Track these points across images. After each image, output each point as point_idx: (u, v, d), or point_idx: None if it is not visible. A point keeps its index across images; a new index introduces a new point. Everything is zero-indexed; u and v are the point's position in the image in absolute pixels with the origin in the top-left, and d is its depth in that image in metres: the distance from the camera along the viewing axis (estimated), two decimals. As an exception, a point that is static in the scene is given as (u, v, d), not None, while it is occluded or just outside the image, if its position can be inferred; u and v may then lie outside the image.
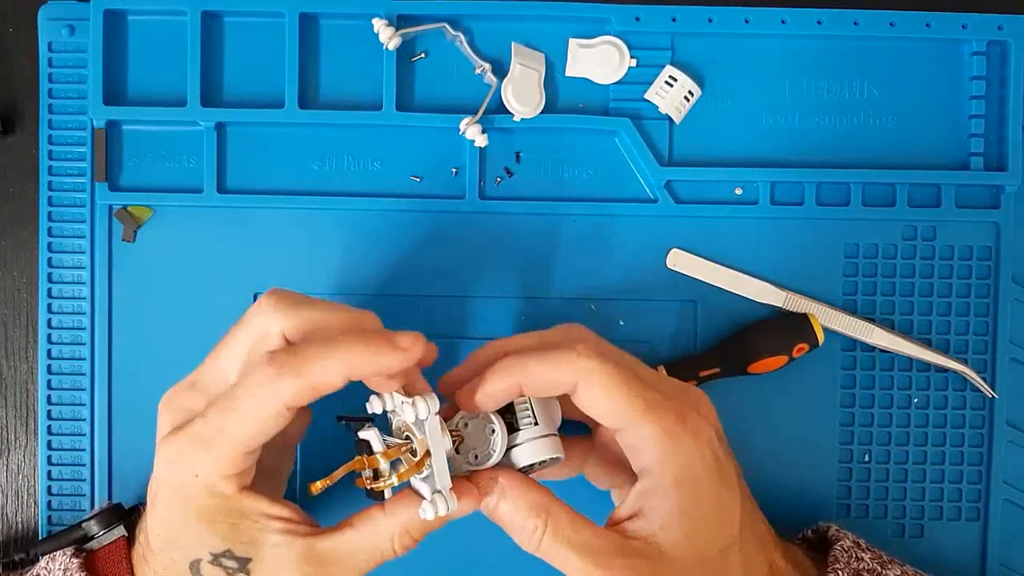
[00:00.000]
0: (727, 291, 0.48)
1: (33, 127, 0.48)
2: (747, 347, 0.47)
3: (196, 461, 0.35)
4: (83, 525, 0.44)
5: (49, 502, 0.47)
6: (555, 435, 0.40)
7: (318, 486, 0.37)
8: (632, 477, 0.39)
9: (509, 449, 0.39)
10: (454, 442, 0.38)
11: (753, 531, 0.40)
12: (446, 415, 0.39)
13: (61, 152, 0.47)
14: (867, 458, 0.49)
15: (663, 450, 0.37)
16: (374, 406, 0.37)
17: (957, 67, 0.49)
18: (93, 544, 0.43)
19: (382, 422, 0.38)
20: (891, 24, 0.48)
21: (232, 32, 0.48)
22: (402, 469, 0.37)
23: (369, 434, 0.37)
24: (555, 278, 0.48)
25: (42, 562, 0.42)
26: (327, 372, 0.34)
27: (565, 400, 0.39)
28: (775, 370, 0.47)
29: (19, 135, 0.48)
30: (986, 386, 0.48)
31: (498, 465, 0.39)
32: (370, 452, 0.37)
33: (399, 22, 0.47)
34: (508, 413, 0.40)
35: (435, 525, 0.37)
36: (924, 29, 0.48)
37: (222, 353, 0.38)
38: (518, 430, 0.39)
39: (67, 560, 0.41)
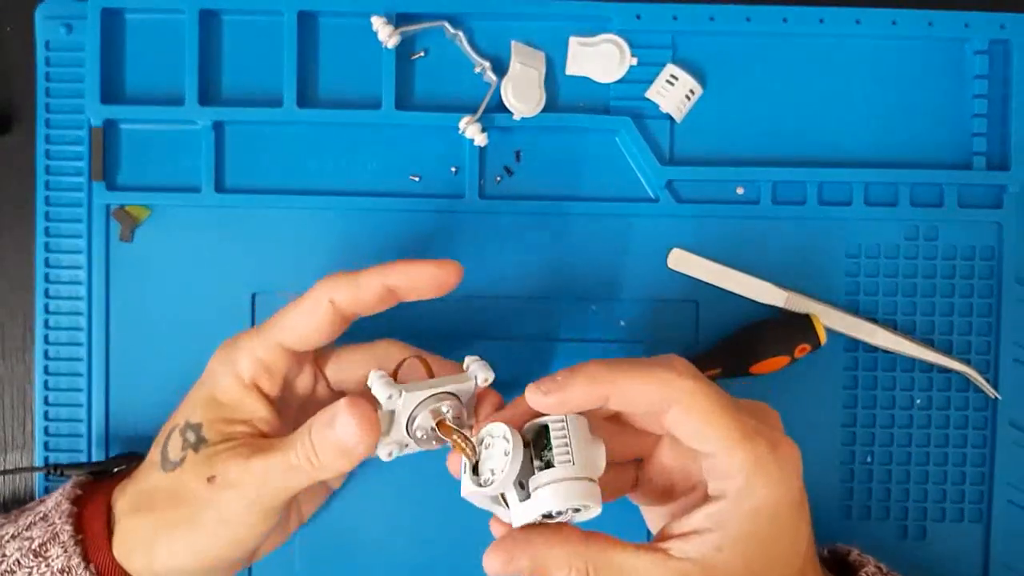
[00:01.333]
0: (728, 291, 0.48)
1: (30, 126, 0.48)
2: (749, 348, 0.46)
3: (241, 339, 0.40)
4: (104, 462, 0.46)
5: (46, 503, 0.47)
6: (594, 481, 0.35)
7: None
8: (682, 499, 0.38)
9: (536, 489, 0.35)
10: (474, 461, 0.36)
11: (812, 561, 0.38)
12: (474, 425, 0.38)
13: (58, 151, 0.47)
14: (869, 459, 0.49)
15: (750, 478, 0.35)
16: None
17: (959, 66, 0.49)
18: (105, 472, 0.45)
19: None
20: (893, 23, 0.48)
21: (230, 30, 0.48)
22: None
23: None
24: (555, 278, 0.48)
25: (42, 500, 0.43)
26: (373, 276, 0.38)
27: (615, 441, 0.38)
28: (777, 371, 0.47)
29: (16, 134, 0.48)
30: (989, 387, 0.48)
31: (516, 509, 0.35)
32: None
33: (398, 20, 0.47)
34: (545, 449, 0.35)
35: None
36: (926, 28, 0.48)
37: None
38: (551, 466, 0.35)
39: (59, 495, 0.42)
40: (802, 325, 0.46)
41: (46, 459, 0.47)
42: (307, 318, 0.39)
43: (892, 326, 0.48)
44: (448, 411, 0.37)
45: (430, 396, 0.37)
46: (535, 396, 0.35)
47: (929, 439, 0.49)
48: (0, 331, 0.48)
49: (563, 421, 0.35)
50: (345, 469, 0.37)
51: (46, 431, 0.47)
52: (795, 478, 0.36)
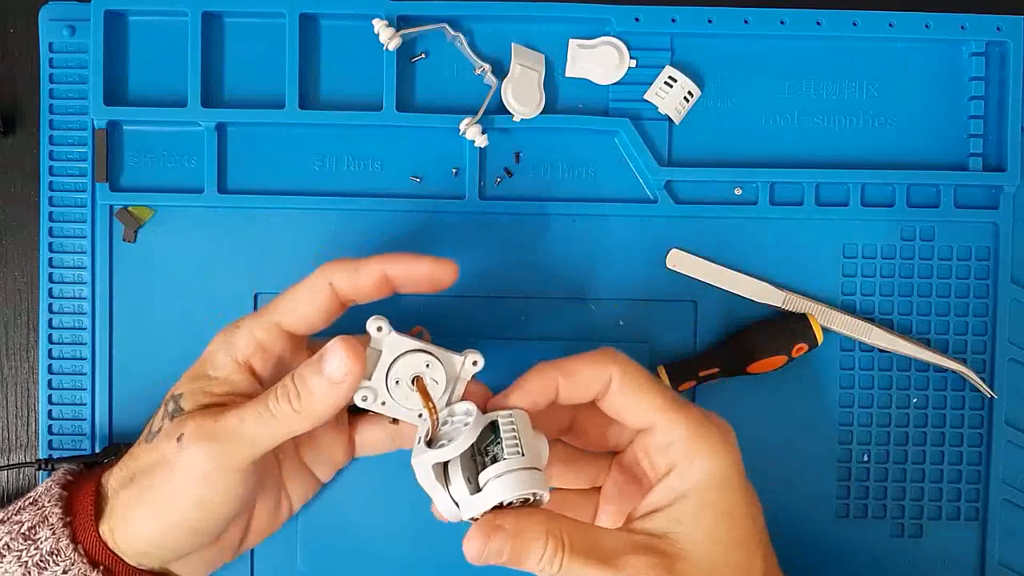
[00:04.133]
0: (726, 291, 0.48)
1: (34, 127, 0.48)
2: (746, 347, 0.47)
3: (245, 320, 0.40)
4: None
5: (50, 502, 0.47)
6: (541, 471, 0.37)
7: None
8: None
9: (487, 481, 0.36)
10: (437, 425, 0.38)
11: (769, 546, 0.39)
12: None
13: (62, 152, 0.48)
14: (866, 458, 0.49)
15: (691, 441, 0.37)
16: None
17: (956, 68, 0.49)
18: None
19: None
20: (890, 25, 0.48)
21: (233, 33, 0.48)
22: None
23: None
24: (555, 278, 0.48)
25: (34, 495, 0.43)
26: (373, 264, 0.39)
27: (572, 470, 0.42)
28: (774, 370, 0.47)
29: (20, 135, 0.49)
30: (985, 386, 0.48)
31: (467, 502, 0.36)
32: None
33: (399, 23, 0.47)
34: (490, 444, 0.37)
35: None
36: (923, 30, 0.48)
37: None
38: (498, 460, 0.36)
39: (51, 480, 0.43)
40: (799, 325, 0.47)
41: (49, 456, 0.47)
42: (306, 300, 0.39)
43: (889, 326, 0.49)
44: (429, 372, 0.38)
45: (417, 349, 0.38)
46: (498, 399, 0.39)
47: (925, 438, 0.49)
48: (4, 331, 0.49)
49: (511, 416, 0.37)
50: (327, 412, 0.37)
51: (50, 430, 0.47)
52: (735, 447, 0.38)
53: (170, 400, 0.40)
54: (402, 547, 0.48)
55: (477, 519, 0.36)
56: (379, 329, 0.38)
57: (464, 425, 0.37)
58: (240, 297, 0.47)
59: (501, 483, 0.36)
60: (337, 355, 0.36)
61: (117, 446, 0.46)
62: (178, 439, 0.38)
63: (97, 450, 0.47)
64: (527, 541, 0.35)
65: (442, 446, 0.36)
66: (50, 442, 0.47)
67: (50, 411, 0.47)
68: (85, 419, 0.47)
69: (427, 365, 0.38)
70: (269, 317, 0.40)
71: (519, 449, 0.36)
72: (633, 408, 0.38)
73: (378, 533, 0.48)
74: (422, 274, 0.39)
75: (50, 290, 0.47)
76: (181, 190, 0.48)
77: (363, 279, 0.39)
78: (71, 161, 0.48)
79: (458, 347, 0.39)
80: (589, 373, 0.38)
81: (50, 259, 0.47)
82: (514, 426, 0.37)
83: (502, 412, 0.38)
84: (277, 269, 0.48)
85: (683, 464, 0.37)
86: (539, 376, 0.39)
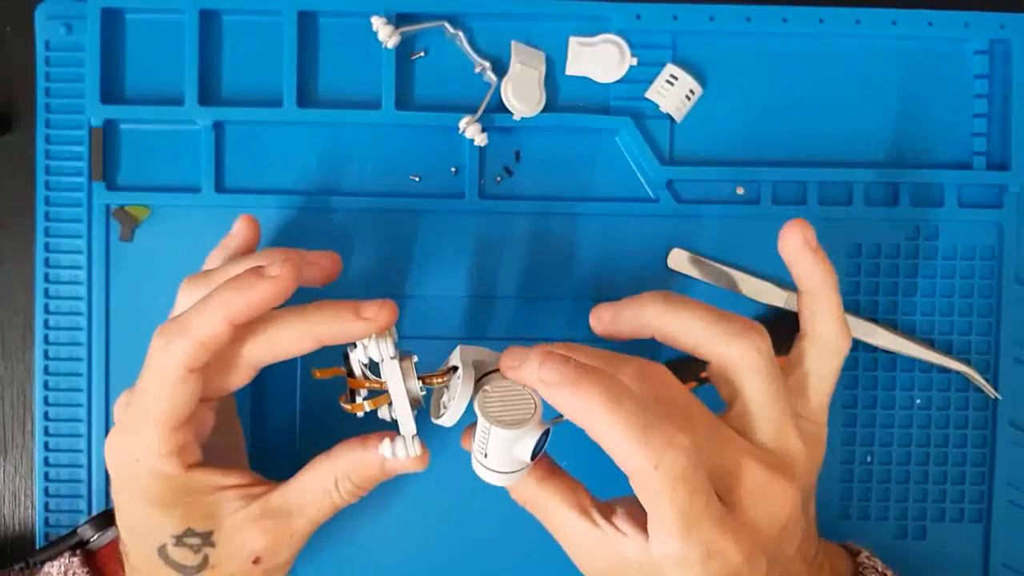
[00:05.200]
0: (728, 291, 0.48)
1: (30, 126, 0.48)
2: (748, 347, 0.46)
3: (132, 447, 0.37)
4: (78, 530, 0.44)
5: (46, 503, 0.47)
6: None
7: (317, 374, 0.38)
8: None
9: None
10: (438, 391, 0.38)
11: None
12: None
13: (58, 151, 0.47)
14: (869, 459, 0.49)
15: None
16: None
17: (960, 66, 0.49)
18: (92, 545, 0.44)
19: None
20: (893, 23, 0.48)
21: (230, 30, 0.48)
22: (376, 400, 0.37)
23: (354, 355, 0.37)
24: (555, 278, 0.48)
25: (44, 568, 0.43)
26: (209, 322, 0.35)
27: None
28: (777, 370, 0.47)
29: (16, 134, 0.48)
30: (989, 387, 0.48)
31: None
32: (351, 374, 0.38)
33: (398, 20, 0.47)
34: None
35: (374, 472, 0.38)
36: (926, 28, 0.48)
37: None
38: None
39: (66, 560, 0.42)
40: (802, 325, 0.46)
41: (45, 474, 0.47)
42: (167, 397, 0.36)
43: (892, 326, 0.48)
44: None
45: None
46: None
47: (929, 439, 0.49)
48: (0, 331, 0.48)
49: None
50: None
51: (46, 431, 0.47)
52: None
53: (181, 538, 0.37)
54: (400, 553, 0.47)
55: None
56: (391, 445, 0.37)
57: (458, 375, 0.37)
58: (238, 297, 0.47)
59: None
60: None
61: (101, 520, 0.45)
62: (255, 561, 0.38)
63: (95, 450, 0.47)
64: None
65: (442, 415, 0.37)
66: (46, 443, 0.47)
67: (46, 412, 0.47)
68: (82, 419, 0.47)
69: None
70: (150, 428, 0.36)
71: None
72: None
73: (375, 540, 0.47)
74: (261, 302, 0.35)
75: (46, 289, 0.47)
76: (178, 189, 0.47)
77: (210, 344, 0.35)
78: (68, 160, 0.47)
79: (452, 346, 0.39)
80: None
81: (46, 258, 0.47)
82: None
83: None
84: (275, 269, 0.47)
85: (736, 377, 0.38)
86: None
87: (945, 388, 0.49)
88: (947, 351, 0.48)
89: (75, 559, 0.42)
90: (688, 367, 0.47)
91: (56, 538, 0.45)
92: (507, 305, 0.48)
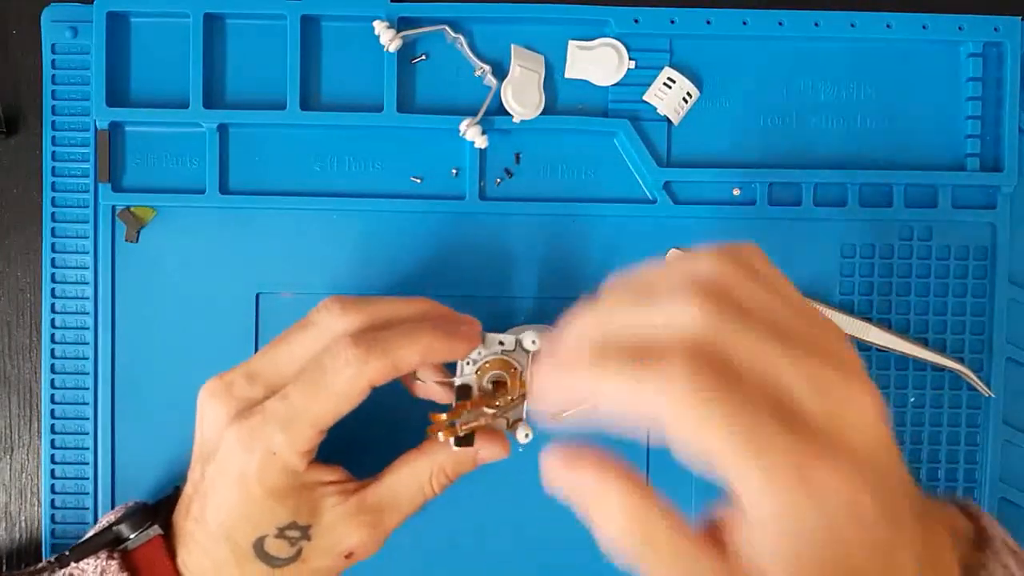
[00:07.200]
0: (725, 291, 0.48)
1: (37, 128, 0.48)
2: (745, 346, 0.47)
3: (275, 441, 0.37)
4: (114, 528, 0.42)
5: (53, 500, 0.48)
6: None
7: (445, 432, 0.38)
8: None
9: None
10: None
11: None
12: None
13: (64, 153, 0.48)
14: (864, 456, 0.49)
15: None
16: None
17: (953, 68, 0.50)
18: (128, 545, 0.41)
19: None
20: (888, 26, 0.49)
21: (234, 34, 0.48)
22: (485, 410, 0.39)
23: (468, 380, 0.39)
24: (555, 279, 0.48)
25: (79, 565, 0.41)
26: (409, 352, 0.37)
27: None
28: (773, 369, 0.47)
29: (23, 136, 0.49)
30: (982, 385, 0.49)
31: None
32: (468, 397, 0.39)
33: (400, 24, 0.47)
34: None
35: (468, 466, 0.40)
36: (921, 31, 0.49)
37: (281, 349, 0.39)
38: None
39: (103, 563, 0.40)
40: (798, 324, 0.47)
41: (52, 472, 0.47)
42: (341, 404, 0.37)
43: (887, 325, 0.49)
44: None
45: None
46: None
47: (923, 437, 0.49)
48: (7, 331, 0.49)
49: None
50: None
51: (52, 430, 0.48)
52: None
53: (283, 531, 0.38)
54: (408, 547, 0.48)
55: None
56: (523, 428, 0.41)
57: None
58: (242, 297, 0.48)
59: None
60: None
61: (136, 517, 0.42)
62: (348, 556, 0.39)
63: (100, 450, 0.47)
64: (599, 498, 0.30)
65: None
66: (53, 441, 0.47)
67: (53, 410, 0.48)
68: (88, 418, 0.48)
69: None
70: (307, 427, 0.37)
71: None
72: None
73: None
74: (456, 352, 0.39)
75: (53, 290, 0.48)
76: (183, 191, 0.48)
77: (403, 370, 0.37)
78: (74, 162, 0.48)
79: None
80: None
81: (53, 259, 0.48)
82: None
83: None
84: (278, 269, 0.48)
85: None
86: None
87: (939, 387, 0.49)
88: (941, 350, 0.49)
89: (112, 562, 0.40)
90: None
91: (92, 535, 0.42)
92: (507, 306, 0.48)
